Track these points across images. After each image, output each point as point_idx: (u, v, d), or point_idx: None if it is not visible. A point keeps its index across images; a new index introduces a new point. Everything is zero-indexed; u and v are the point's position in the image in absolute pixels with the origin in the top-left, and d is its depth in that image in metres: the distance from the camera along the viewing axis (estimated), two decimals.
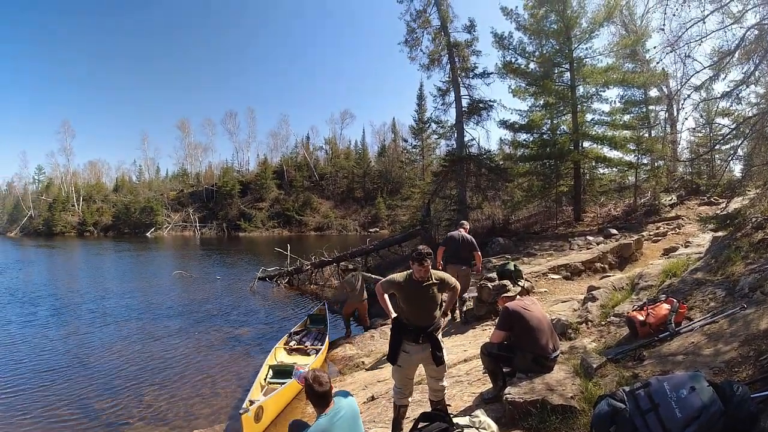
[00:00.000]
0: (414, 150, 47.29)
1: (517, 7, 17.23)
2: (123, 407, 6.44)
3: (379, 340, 8.62)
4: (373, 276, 11.52)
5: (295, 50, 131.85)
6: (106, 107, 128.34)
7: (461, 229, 7.55)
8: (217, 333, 10.26)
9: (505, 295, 4.53)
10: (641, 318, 4.38)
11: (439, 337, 3.75)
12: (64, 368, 8.08)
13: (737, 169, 15.47)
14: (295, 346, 8.33)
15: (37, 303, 13.77)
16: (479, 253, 7.46)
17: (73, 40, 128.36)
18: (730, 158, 8.59)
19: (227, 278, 18.89)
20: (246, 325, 11.02)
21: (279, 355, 7.90)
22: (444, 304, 3.83)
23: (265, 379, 6.76)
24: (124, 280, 18.99)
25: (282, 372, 6.94)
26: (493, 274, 8.50)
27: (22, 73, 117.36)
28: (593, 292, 6.56)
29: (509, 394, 3.60)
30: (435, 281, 3.64)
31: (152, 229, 56.90)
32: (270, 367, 7.07)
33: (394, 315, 3.75)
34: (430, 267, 3.60)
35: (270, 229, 54.33)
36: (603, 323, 5.38)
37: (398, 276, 3.76)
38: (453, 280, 3.83)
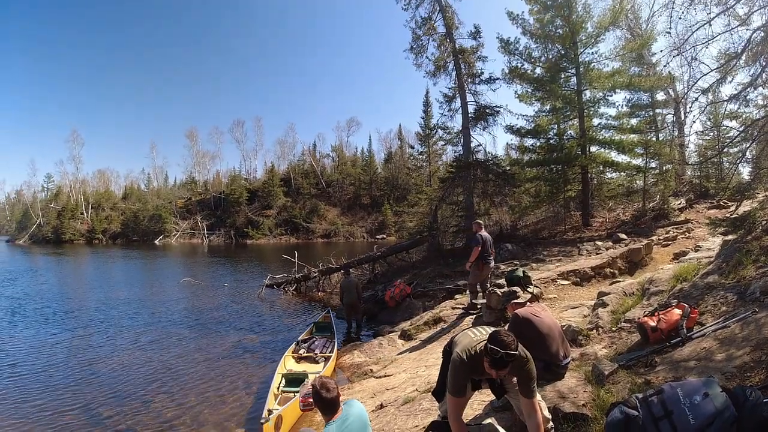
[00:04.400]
0: (420, 156, 47.13)
1: (523, 12, 17.33)
2: (130, 415, 6.45)
3: (387, 348, 8.62)
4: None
5: (302, 59, 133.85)
6: (116, 117, 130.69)
7: (483, 229, 8.40)
8: (225, 341, 10.30)
9: (515, 301, 4.52)
10: (652, 323, 4.34)
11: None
12: (72, 376, 8.15)
13: (746, 171, 15.33)
14: (304, 354, 8.35)
15: (47, 312, 13.85)
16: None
17: (82, 51, 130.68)
18: (738, 161, 8.53)
19: (235, 285, 18.98)
20: (253, 332, 11.06)
21: (288, 364, 7.93)
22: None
23: (278, 388, 6.81)
24: (132, 288, 19.10)
25: (294, 380, 7.00)
26: (502, 281, 8.50)
27: (32, 84, 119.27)
28: (603, 297, 6.51)
29: None
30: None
31: (161, 237, 57.35)
32: (282, 375, 7.12)
33: None
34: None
35: (277, 237, 54.55)
36: (614, 329, 5.35)
37: (461, 365, 2.88)
38: (534, 373, 2.86)
